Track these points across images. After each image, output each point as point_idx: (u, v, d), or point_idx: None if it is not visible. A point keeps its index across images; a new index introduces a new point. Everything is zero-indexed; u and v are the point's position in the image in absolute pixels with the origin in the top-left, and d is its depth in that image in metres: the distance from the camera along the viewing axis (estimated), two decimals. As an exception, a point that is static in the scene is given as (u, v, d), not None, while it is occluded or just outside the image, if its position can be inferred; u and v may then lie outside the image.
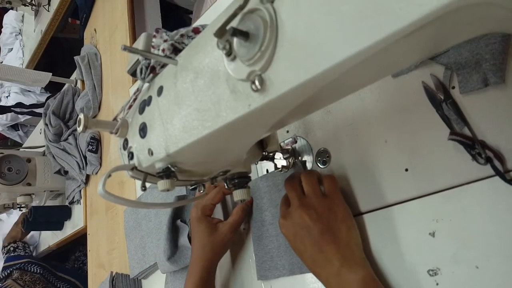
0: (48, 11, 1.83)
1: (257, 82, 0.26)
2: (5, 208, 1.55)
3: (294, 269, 0.55)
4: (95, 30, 1.41)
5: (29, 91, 2.16)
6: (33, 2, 1.99)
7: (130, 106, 0.41)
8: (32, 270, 1.41)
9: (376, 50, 0.21)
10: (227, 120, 0.30)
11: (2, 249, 1.52)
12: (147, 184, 0.41)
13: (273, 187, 0.60)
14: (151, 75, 0.39)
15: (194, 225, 0.62)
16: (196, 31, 0.39)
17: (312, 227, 0.46)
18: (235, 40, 0.27)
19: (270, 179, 0.61)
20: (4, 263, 1.44)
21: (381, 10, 0.20)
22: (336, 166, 0.54)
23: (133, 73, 0.41)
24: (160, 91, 0.37)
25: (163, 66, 0.39)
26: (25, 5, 1.96)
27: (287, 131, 0.62)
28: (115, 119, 0.42)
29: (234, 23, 0.28)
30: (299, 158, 0.59)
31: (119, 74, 1.21)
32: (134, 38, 1.18)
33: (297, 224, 0.47)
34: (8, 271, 1.39)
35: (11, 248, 1.49)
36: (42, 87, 2.12)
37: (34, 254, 1.57)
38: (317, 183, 0.50)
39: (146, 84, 0.41)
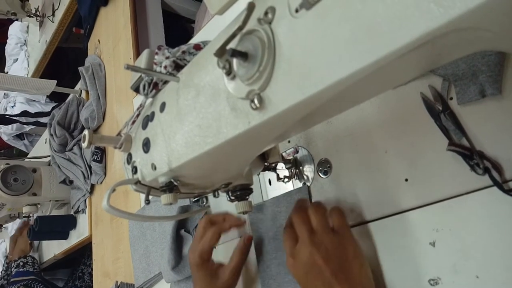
0: (53, 22, 1.85)
1: (256, 101, 0.27)
2: (11, 218, 1.57)
3: None
4: (99, 41, 1.43)
5: (34, 100, 2.18)
6: (38, 13, 2.01)
7: (134, 122, 0.42)
8: None
9: (369, 72, 0.21)
10: (228, 136, 0.31)
11: (12, 263, 1.52)
12: (150, 197, 0.41)
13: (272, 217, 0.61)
14: (153, 91, 0.40)
15: (194, 271, 0.60)
16: (197, 47, 0.40)
17: (323, 267, 0.43)
18: (235, 60, 0.28)
19: (270, 208, 0.62)
20: (13, 277, 1.45)
21: (373, 34, 0.20)
22: (337, 176, 0.55)
23: (136, 89, 0.42)
24: (162, 107, 0.38)
25: (166, 82, 0.40)
26: (30, 16, 1.99)
27: (289, 141, 0.63)
28: (119, 134, 0.43)
29: (233, 44, 0.29)
30: (301, 168, 0.59)
31: (123, 84, 1.22)
32: (137, 48, 1.19)
33: (308, 264, 0.45)
34: (16, 287, 1.40)
35: (21, 263, 1.49)
36: (47, 97, 2.14)
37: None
38: (326, 217, 0.48)
39: (149, 100, 0.42)
